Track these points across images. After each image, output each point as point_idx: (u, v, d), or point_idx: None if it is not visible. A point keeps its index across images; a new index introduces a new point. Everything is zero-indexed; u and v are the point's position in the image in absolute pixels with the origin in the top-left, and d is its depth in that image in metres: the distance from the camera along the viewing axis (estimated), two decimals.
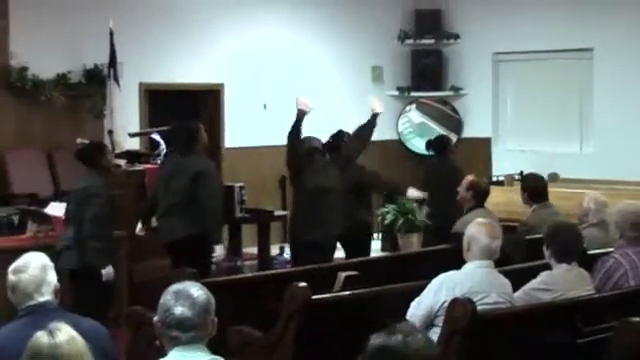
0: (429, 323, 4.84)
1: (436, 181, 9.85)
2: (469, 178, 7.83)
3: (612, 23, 12.15)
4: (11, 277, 3.86)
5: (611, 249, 5.76)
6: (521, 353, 4.76)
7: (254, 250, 10.54)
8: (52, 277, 3.90)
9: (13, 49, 10.15)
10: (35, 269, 3.86)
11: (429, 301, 4.86)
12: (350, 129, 8.81)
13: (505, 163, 12.80)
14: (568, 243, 5.30)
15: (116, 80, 10.51)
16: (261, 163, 11.88)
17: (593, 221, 6.81)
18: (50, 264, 3.93)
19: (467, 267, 4.97)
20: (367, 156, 8.93)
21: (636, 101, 11.99)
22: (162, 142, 9.71)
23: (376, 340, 2.55)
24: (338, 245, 8.36)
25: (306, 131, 8.01)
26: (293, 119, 7.91)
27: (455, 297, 4.63)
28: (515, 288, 5.13)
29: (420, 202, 10.03)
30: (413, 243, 11.06)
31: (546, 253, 5.32)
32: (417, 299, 4.93)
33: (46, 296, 3.85)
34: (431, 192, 9.71)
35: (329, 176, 8.01)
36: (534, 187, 7.59)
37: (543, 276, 5.22)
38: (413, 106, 13.78)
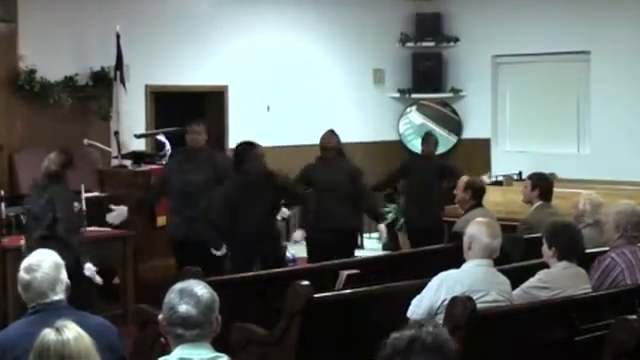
0: None
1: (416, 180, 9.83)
2: (464, 179, 7.81)
3: (609, 26, 12.22)
4: (24, 276, 3.81)
5: (606, 248, 5.77)
6: (520, 350, 4.73)
7: None
8: (64, 275, 3.88)
9: (22, 52, 10.16)
10: (49, 268, 3.83)
11: (429, 299, 4.86)
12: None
13: (504, 164, 12.83)
14: (573, 241, 5.32)
15: (122, 82, 10.54)
16: None
17: (589, 221, 6.81)
18: (61, 262, 3.91)
19: (467, 265, 4.98)
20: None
21: (632, 103, 12.08)
22: (167, 143, 9.84)
23: (406, 333, 2.52)
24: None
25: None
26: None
27: (455, 295, 4.63)
28: (514, 286, 5.13)
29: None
30: None
31: (548, 251, 5.30)
32: (418, 297, 4.94)
33: (59, 294, 3.83)
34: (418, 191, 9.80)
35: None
36: (546, 186, 7.52)
37: (541, 274, 5.23)
38: (414, 108, 13.85)
